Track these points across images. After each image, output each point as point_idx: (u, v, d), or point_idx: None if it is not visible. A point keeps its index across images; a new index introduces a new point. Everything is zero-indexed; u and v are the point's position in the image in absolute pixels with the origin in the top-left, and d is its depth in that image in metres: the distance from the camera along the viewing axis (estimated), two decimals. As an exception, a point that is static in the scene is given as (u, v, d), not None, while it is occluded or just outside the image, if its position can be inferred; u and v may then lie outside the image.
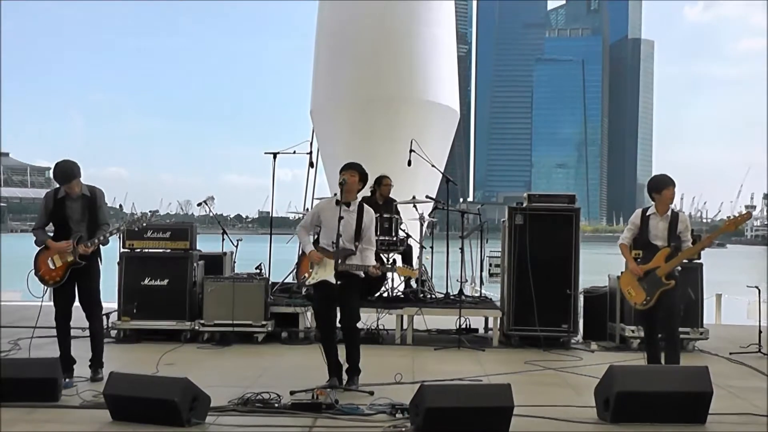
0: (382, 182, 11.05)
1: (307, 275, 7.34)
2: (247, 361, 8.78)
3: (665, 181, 7.82)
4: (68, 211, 7.46)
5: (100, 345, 7.73)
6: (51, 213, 7.49)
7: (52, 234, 7.56)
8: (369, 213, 7.36)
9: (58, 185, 7.48)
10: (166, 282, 10.01)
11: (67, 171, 7.36)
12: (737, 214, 7.84)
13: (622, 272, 8.42)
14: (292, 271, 11.60)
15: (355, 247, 7.18)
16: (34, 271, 7.51)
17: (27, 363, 6.94)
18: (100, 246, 7.62)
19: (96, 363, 7.63)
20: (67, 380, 6.96)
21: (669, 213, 7.78)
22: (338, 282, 7.07)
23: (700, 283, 10.08)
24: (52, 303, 7.62)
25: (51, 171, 7.51)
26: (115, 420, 5.97)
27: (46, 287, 7.54)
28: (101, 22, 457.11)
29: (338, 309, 7.35)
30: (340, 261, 7.08)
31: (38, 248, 7.55)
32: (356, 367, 7.29)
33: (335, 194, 7.44)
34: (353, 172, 7.26)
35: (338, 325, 7.40)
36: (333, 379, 7.18)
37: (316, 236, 7.69)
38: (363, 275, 7.30)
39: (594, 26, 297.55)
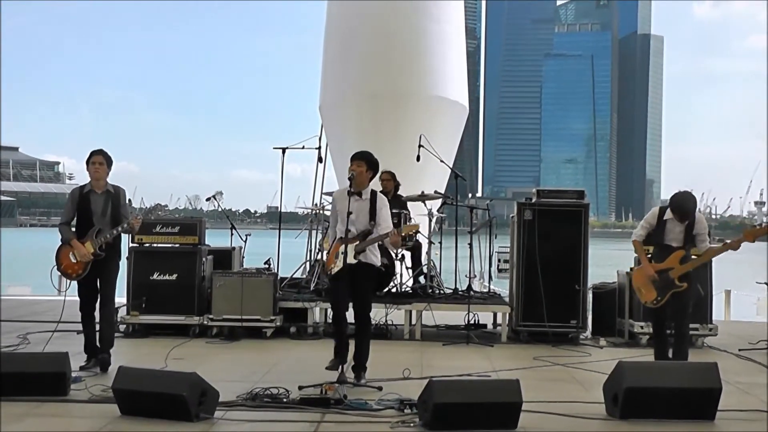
0: (381, 177, 11.04)
1: (333, 266, 7.28)
2: (255, 356, 8.79)
3: (688, 210, 7.77)
4: (92, 206, 7.76)
5: (109, 336, 7.91)
6: (77, 207, 7.80)
7: (74, 229, 7.85)
8: (382, 199, 7.37)
9: (87, 169, 7.80)
10: (175, 277, 10.03)
11: (99, 149, 7.83)
12: (758, 226, 7.79)
13: (632, 268, 8.41)
14: (301, 265, 11.61)
15: (371, 225, 7.20)
16: (56, 266, 7.79)
17: (36, 357, 6.95)
18: (119, 244, 8.01)
19: (103, 363, 7.72)
20: (76, 374, 6.98)
21: None
22: (355, 261, 7.08)
23: (709, 279, 10.06)
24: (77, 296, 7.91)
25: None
26: (123, 414, 5.98)
27: (69, 281, 7.88)
28: (111, 17, 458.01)
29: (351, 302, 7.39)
30: (359, 242, 7.11)
31: (60, 243, 7.81)
32: (363, 365, 7.28)
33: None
34: (360, 162, 7.25)
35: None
36: (336, 360, 7.14)
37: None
38: (378, 265, 7.41)
39: (603, 22, 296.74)
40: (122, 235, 8.05)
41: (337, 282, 7.26)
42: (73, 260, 7.69)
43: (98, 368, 7.65)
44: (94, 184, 7.81)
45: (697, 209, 7.86)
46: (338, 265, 7.20)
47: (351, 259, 7.11)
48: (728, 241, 7.84)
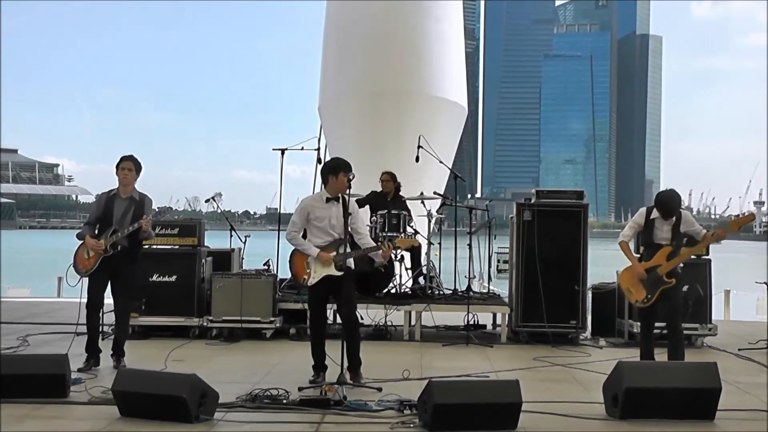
0: (381, 178, 11.04)
1: (306, 277, 7.32)
2: (255, 358, 8.79)
3: (673, 208, 7.81)
4: (114, 209, 7.94)
5: (123, 326, 8.13)
6: (102, 210, 7.97)
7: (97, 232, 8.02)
8: (352, 202, 7.43)
9: (117, 173, 8.00)
10: (174, 278, 10.03)
11: (130, 155, 8.04)
12: (741, 214, 7.86)
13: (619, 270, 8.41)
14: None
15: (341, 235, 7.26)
16: (72, 265, 7.98)
17: (35, 359, 6.95)
18: (138, 248, 8.18)
19: (117, 352, 7.99)
20: (75, 376, 6.98)
21: (673, 217, 7.82)
22: (340, 273, 7.14)
23: (709, 279, 10.07)
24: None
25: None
26: (123, 416, 5.97)
27: (80, 277, 7.95)
28: (111, 16, 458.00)
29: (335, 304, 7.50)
30: (336, 254, 7.16)
31: (78, 243, 8.00)
32: (358, 364, 7.27)
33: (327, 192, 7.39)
34: (351, 171, 7.29)
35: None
36: (317, 375, 7.31)
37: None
38: (354, 267, 7.42)
39: (602, 22, 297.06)
40: (141, 243, 8.20)
41: (320, 290, 7.31)
42: (86, 256, 7.87)
43: (97, 369, 7.68)
44: (120, 189, 7.98)
45: (684, 206, 7.90)
46: (314, 276, 7.25)
47: (334, 272, 7.16)
48: (714, 232, 7.91)
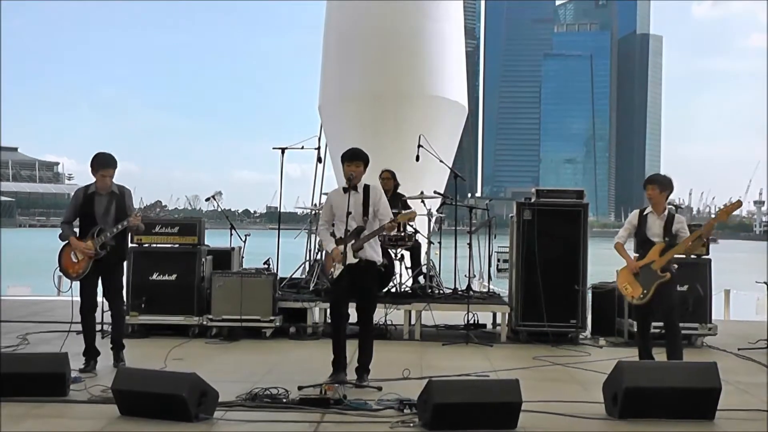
0: (381, 176, 11.04)
1: (333, 269, 7.30)
2: (255, 357, 8.79)
3: (649, 179, 8.03)
4: (96, 206, 7.79)
5: (121, 327, 8.12)
6: (79, 207, 7.83)
7: (77, 229, 7.90)
8: (375, 189, 7.47)
9: (93, 174, 7.79)
10: (174, 277, 10.03)
11: (105, 157, 7.79)
12: (727, 203, 7.91)
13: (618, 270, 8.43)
14: (301, 265, 11.60)
15: (365, 221, 7.27)
16: (58, 267, 7.85)
17: (35, 358, 6.95)
18: (125, 249, 8.14)
19: (117, 346, 7.96)
20: (75, 375, 6.98)
21: (666, 213, 7.89)
22: (358, 261, 7.14)
23: (709, 278, 10.07)
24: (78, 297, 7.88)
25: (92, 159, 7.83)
26: (123, 415, 5.98)
27: (71, 281, 7.86)
28: (111, 17, 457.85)
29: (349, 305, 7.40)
30: (354, 241, 7.15)
31: (62, 243, 7.87)
32: (366, 367, 7.28)
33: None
34: (358, 162, 7.33)
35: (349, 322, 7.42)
36: (336, 374, 7.19)
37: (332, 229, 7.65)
38: (380, 262, 7.48)
39: (602, 21, 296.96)
40: (128, 238, 8.16)
41: (337, 282, 7.28)
42: (74, 260, 7.75)
43: (96, 371, 7.65)
44: (99, 186, 7.83)
45: (684, 205, 7.93)
46: (338, 267, 7.23)
47: (351, 259, 7.14)
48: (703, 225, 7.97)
